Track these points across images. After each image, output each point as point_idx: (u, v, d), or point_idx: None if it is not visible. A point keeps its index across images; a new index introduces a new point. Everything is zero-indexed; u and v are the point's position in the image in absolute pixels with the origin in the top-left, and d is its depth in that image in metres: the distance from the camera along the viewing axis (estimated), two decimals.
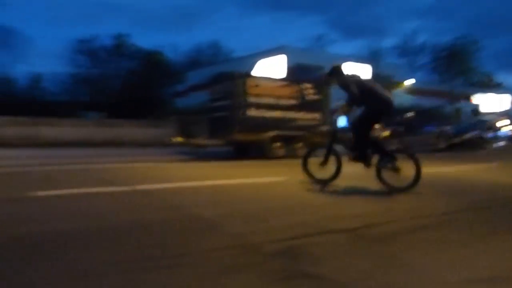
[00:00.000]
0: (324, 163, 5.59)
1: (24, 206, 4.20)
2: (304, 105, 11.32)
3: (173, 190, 5.32)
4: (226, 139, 10.60)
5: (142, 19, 72.46)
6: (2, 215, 3.79)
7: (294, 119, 11.16)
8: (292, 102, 11.21)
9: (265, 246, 2.72)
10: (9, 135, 13.97)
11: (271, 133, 10.68)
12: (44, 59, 70.18)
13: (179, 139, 11.97)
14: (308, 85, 11.52)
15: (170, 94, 37.57)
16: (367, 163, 5.37)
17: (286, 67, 23.99)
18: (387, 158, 5.21)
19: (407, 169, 5.08)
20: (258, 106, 10.64)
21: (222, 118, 10.76)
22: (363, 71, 30.52)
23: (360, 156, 5.38)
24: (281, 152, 10.90)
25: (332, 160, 5.58)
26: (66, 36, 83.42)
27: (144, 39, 49.83)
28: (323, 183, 5.53)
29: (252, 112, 10.55)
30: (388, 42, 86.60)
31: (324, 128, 11.37)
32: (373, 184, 5.30)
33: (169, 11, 73.64)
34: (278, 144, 10.90)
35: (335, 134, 5.72)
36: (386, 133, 13.33)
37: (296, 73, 14.17)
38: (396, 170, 5.14)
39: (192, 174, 6.79)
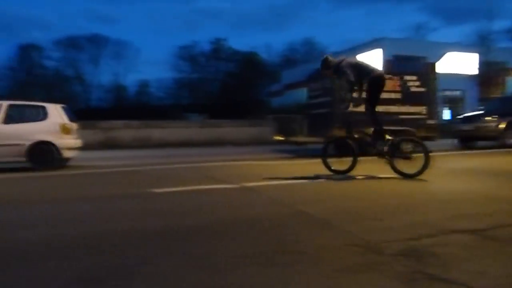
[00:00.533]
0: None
1: (145, 201, 4.60)
2: (408, 98, 10.68)
3: (279, 187, 5.39)
4: (326, 136, 10.44)
5: (237, 22, 75.09)
6: (127, 209, 4.19)
7: (397, 113, 10.59)
8: (395, 95, 10.65)
9: (385, 246, 2.60)
10: (125, 137, 15.47)
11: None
12: (151, 67, 76.52)
13: (280, 137, 12.11)
14: (412, 77, 10.84)
15: (266, 94, 38.31)
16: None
17: (382, 60, 22.93)
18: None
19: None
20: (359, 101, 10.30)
21: (321, 115, 10.63)
22: (469, 60, 27.87)
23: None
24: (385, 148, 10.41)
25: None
26: (169, 44, 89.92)
27: (240, 42, 51.75)
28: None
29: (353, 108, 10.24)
30: (500, 24, 77.65)
31: (431, 121, 10.60)
32: (491, 181, 4.79)
33: (263, 12, 75.28)
34: None
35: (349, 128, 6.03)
36: (503, 124, 11.98)
37: (394, 65, 13.47)
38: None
39: (294, 171, 6.81)
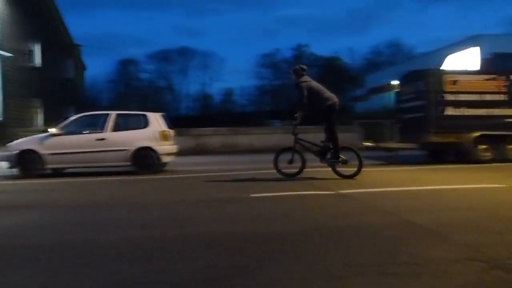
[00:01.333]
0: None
1: (244, 205, 4.74)
2: None
3: (377, 194, 5.22)
4: (419, 142, 9.88)
5: (318, 28, 74.40)
6: (228, 213, 4.35)
7: (503, 116, 9.69)
8: (500, 97, 9.75)
9: None
10: (214, 143, 16.13)
11: (475, 134, 9.49)
12: (234, 75, 79.07)
13: (369, 143, 11.74)
14: None
15: (350, 99, 37.41)
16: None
17: (480, 59, 21.12)
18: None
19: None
20: (457, 104, 9.61)
21: (414, 119, 10.09)
22: None
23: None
24: (488, 155, 9.57)
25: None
26: (252, 53, 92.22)
27: (322, 47, 51.30)
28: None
29: (450, 111, 9.59)
30: None
31: None
32: None
33: (344, 16, 73.79)
34: (484, 146, 9.60)
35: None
36: None
37: (497, 64, 12.28)
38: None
39: (389, 179, 6.56)
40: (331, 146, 6.72)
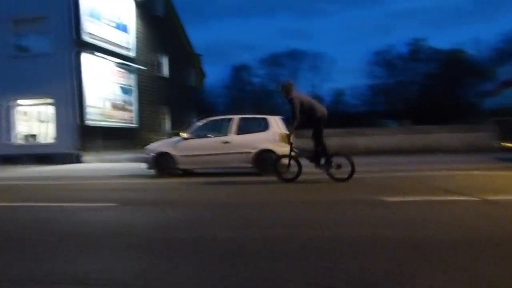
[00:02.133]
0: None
1: (380, 210, 4.56)
2: None
3: None
4: None
5: (436, 18, 68.70)
6: (365, 216, 4.22)
7: None
8: None
9: None
10: (330, 145, 15.89)
11: None
12: (345, 75, 77.27)
13: (509, 143, 10.46)
14: None
15: (477, 94, 33.89)
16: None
17: None
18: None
19: None
20: None
21: None
22: None
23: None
24: None
25: None
26: (363, 51, 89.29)
27: (440, 39, 47.16)
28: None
29: None
30: None
31: None
32: None
33: (465, 4, 66.97)
34: None
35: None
36: None
37: None
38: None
39: None
40: (321, 152, 7.39)
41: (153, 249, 3.25)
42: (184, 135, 9.85)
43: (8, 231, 4.13)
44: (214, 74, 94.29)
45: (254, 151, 9.28)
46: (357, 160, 12.64)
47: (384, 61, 45.05)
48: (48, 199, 6.52)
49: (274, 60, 50.49)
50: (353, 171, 7.21)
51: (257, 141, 9.41)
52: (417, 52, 42.39)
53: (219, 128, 10.03)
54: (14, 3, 16.74)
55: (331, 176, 7.38)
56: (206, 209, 5.17)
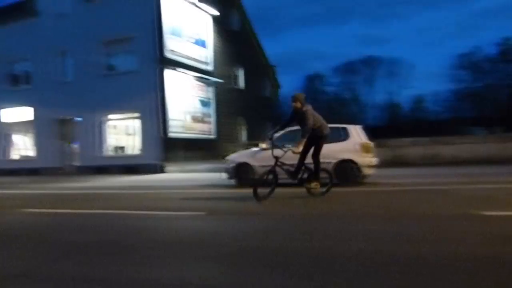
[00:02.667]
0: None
1: (478, 225, 4.17)
2: None
3: None
4: None
5: None
6: (468, 232, 3.87)
7: None
8: None
9: None
10: (413, 155, 15.08)
11: None
12: (425, 81, 73.51)
13: None
14: None
15: None
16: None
17: None
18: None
19: None
20: None
21: None
22: None
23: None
24: None
25: None
26: (443, 54, 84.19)
27: None
28: None
29: None
30: None
31: None
32: None
33: None
34: None
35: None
36: None
37: None
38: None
39: None
40: (314, 168, 7.23)
41: (246, 257, 3.25)
42: (263, 145, 9.94)
43: (104, 237, 4.42)
44: (288, 84, 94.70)
45: (334, 161, 9.06)
46: (443, 170, 11.90)
47: (470, 63, 42.04)
48: (138, 207, 6.90)
49: (348, 68, 49.54)
50: (331, 185, 7.45)
51: (337, 151, 9.17)
52: (508, 52, 39.02)
53: (298, 138, 9.96)
54: (106, 26, 18.27)
55: (310, 191, 7.28)
56: (291, 219, 5.12)
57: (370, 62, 48.87)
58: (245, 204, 6.93)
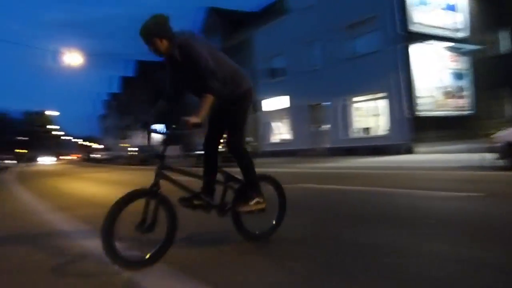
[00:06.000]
0: None
1: None
2: None
3: None
4: None
5: None
6: None
7: None
8: None
9: None
10: None
11: None
12: None
13: None
14: None
15: None
16: None
17: None
18: None
19: None
20: None
21: None
22: None
23: None
24: None
25: None
26: None
27: None
28: None
29: None
30: None
31: None
32: None
33: None
34: None
35: None
36: None
37: None
38: None
39: None
40: None
41: None
42: None
43: (381, 211, 4.45)
44: None
45: None
46: None
47: None
48: (404, 186, 6.64)
49: None
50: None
51: None
52: None
53: None
54: (349, 10, 18.56)
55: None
56: None
57: None
58: None
